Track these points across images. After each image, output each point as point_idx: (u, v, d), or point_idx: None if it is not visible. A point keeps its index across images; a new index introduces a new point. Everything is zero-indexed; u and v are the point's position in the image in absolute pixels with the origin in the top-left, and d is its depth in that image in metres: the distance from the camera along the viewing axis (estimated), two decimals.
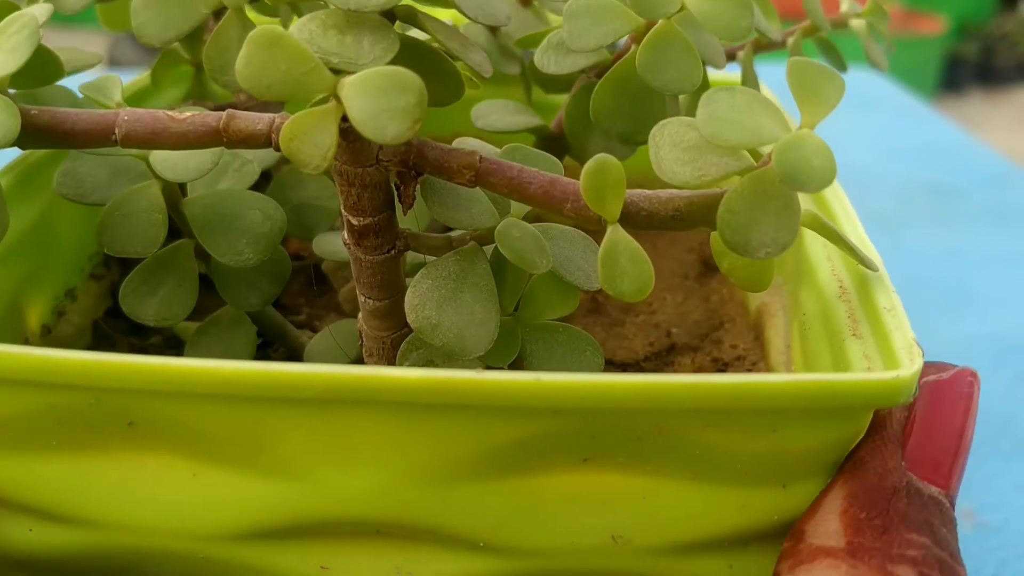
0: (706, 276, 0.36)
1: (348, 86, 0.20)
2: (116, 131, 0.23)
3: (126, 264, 0.34)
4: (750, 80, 0.33)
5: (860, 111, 0.97)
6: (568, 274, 0.24)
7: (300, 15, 0.32)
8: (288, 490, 0.22)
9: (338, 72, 0.20)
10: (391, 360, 0.27)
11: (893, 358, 0.21)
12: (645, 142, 0.29)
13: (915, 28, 3.11)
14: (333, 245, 0.29)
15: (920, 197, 0.83)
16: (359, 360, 0.28)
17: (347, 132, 0.21)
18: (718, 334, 0.33)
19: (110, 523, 0.23)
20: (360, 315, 0.27)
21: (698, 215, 0.23)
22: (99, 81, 0.25)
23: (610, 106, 0.29)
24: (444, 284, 0.23)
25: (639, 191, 0.23)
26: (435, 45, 0.23)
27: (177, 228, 0.28)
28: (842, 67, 0.35)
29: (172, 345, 0.31)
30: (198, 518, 0.23)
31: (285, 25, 0.35)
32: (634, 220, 0.23)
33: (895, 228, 0.77)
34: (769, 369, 0.30)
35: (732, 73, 0.35)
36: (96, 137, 0.23)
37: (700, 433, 0.21)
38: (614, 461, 0.22)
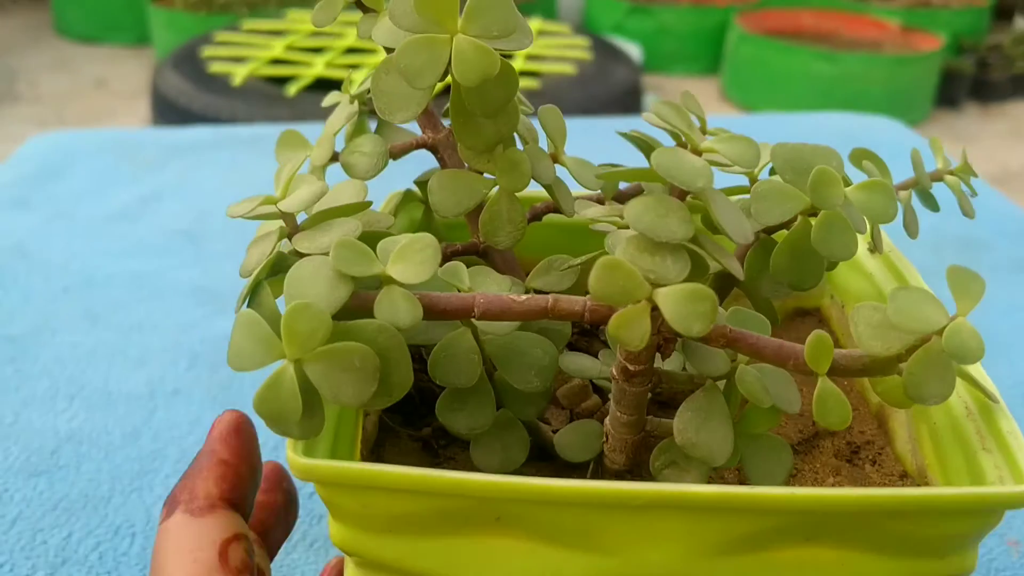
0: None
1: (663, 295, 0.30)
2: (476, 310, 0.33)
3: None
4: (877, 236, 0.43)
5: (889, 163, 1.07)
6: (776, 401, 0.34)
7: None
8: (604, 563, 0.32)
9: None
10: (630, 455, 0.37)
11: (1020, 473, 0.31)
12: (805, 288, 0.39)
13: (914, 45, 3.23)
14: (576, 364, 0.39)
15: (950, 249, 0.94)
16: (602, 452, 0.38)
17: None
18: None
19: None
20: (608, 421, 0.37)
21: (877, 368, 0.33)
22: (451, 267, 0.35)
23: (785, 263, 0.39)
24: (698, 414, 0.33)
25: (840, 351, 0.33)
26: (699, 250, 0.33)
27: None
28: (935, 209, 0.46)
29: (439, 435, 0.41)
30: None
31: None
32: (835, 370, 0.33)
33: (930, 279, 0.87)
34: (896, 454, 0.40)
35: None
36: (462, 314, 0.33)
37: (892, 524, 0.31)
38: (827, 540, 0.32)
